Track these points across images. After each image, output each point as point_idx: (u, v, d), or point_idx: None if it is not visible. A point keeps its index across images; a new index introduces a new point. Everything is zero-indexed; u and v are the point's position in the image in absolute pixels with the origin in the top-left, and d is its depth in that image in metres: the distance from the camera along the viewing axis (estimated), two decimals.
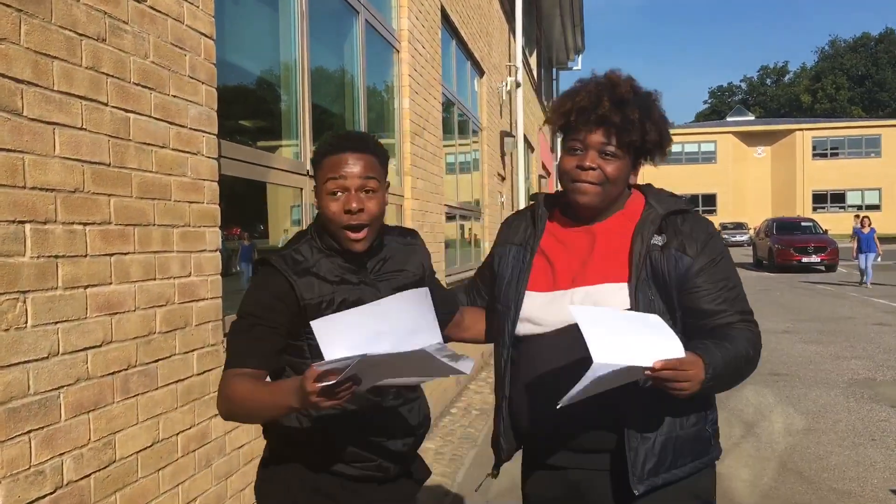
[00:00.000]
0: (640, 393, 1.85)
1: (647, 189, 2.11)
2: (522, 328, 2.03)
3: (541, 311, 2.01)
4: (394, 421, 2.05)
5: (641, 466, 1.89)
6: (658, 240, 1.97)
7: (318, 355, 1.74)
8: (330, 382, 1.61)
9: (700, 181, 51.98)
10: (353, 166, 1.94)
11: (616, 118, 1.92)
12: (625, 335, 1.74)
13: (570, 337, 1.82)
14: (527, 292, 2.04)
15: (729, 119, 62.44)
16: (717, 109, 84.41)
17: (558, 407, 1.74)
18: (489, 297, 2.26)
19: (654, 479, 1.90)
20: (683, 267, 1.94)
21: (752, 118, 63.65)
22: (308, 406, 1.69)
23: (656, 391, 1.79)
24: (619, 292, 1.94)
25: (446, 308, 2.25)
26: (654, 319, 1.83)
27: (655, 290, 1.94)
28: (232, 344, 1.97)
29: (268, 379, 1.95)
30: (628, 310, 1.91)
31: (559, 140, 2.11)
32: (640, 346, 1.73)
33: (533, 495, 2.16)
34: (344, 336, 1.68)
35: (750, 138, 54.52)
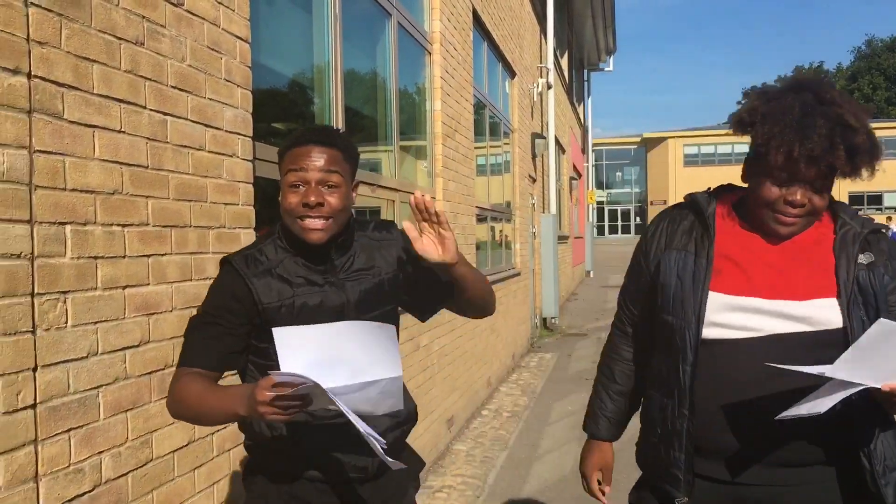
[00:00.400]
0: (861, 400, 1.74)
1: (833, 203, 1.97)
2: (709, 332, 1.88)
3: (733, 314, 1.87)
4: (369, 421, 1.84)
5: (882, 463, 1.81)
6: (863, 258, 1.89)
7: None
8: (282, 393, 1.57)
9: (735, 183, 51.21)
10: (316, 159, 1.88)
11: (847, 169, 1.78)
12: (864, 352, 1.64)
13: (769, 343, 1.79)
14: (711, 293, 1.89)
15: None
16: None
17: (777, 418, 1.68)
18: (644, 311, 2.10)
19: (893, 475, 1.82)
20: (887, 285, 1.88)
21: None
22: (255, 415, 1.64)
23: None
24: (832, 309, 1.84)
25: (439, 293, 2.12)
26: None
27: (864, 309, 1.84)
28: (187, 341, 1.92)
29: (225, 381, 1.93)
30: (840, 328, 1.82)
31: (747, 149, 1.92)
32: (874, 364, 1.64)
33: None
34: (305, 349, 1.64)
35: None
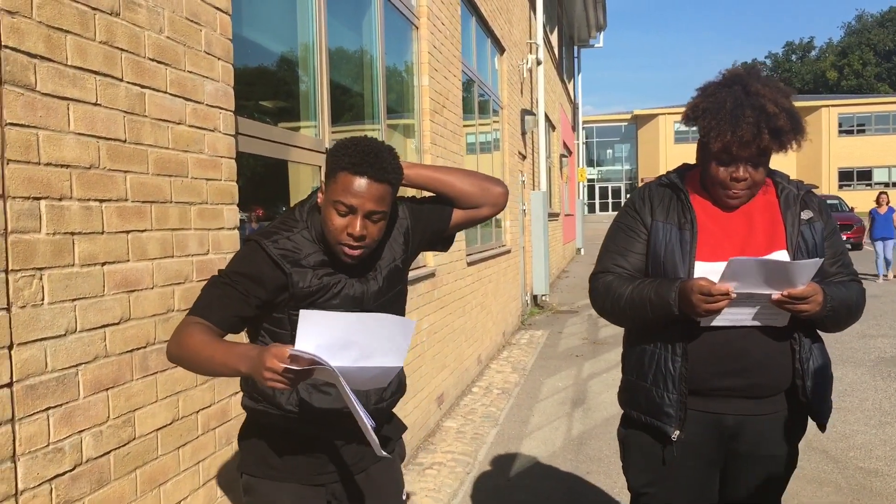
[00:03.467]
0: (806, 341, 2.29)
1: (770, 172, 2.39)
2: None
3: (714, 277, 2.15)
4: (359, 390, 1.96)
5: (818, 402, 2.31)
6: (804, 215, 2.34)
7: (296, 327, 1.78)
8: (292, 367, 1.66)
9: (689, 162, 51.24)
10: (367, 194, 1.93)
11: (774, 146, 2.17)
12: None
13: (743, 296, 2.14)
14: (697, 263, 2.27)
15: None
16: None
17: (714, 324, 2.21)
18: (634, 268, 2.39)
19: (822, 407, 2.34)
20: (820, 236, 2.33)
21: None
22: (256, 377, 1.72)
23: (817, 342, 2.32)
24: (784, 257, 2.25)
25: (443, 214, 2.27)
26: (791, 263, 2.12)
27: (807, 256, 2.26)
28: (204, 294, 2.00)
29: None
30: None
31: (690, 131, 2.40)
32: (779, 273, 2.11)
33: (683, 446, 2.32)
34: (322, 333, 1.72)
35: None
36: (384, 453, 1.87)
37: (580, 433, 5.83)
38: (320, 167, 3.99)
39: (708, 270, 2.22)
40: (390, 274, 2.16)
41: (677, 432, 2.29)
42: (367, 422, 1.75)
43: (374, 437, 1.80)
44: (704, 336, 2.25)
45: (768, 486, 2.40)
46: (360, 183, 1.92)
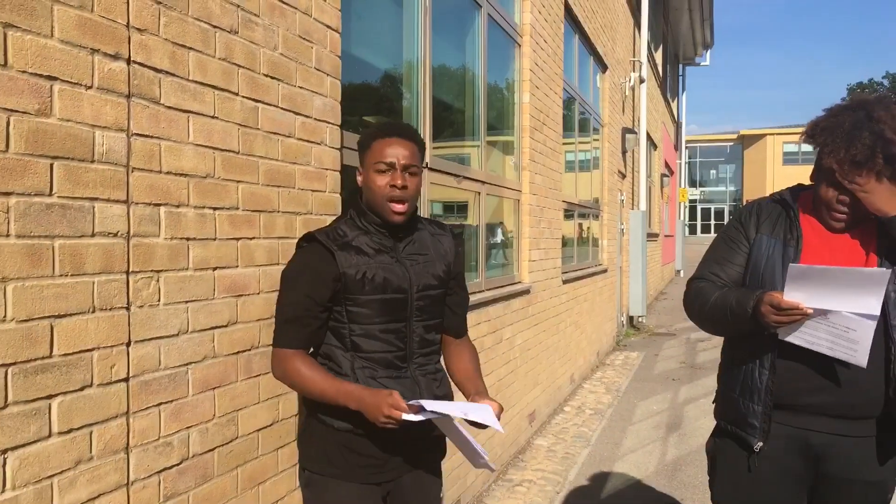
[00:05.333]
0: None
1: None
2: None
3: None
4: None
5: None
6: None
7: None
8: (410, 418, 2.01)
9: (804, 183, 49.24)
10: (402, 149, 2.24)
11: (887, 173, 2.17)
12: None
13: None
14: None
15: None
16: None
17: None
18: (731, 277, 2.44)
19: None
20: None
21: None
22: (368, 416, 2.07)
23: None
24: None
25: (459, 311, 2.51)
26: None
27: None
28: (285, 324, 2.22)
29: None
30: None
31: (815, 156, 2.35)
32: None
33: (767, 460, 2.35)
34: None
35: None
36: (493, 468, 2.27)
37: (675, 458, 5.69)
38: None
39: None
40: (433, 271, 2.35)
41: (760, 443, 2.33)
42: (483, 455, 2.17)
43: (488, 462, 2.20)
44: (795, 351, 2.22)
45: None
46: (392, 142, 2.23)
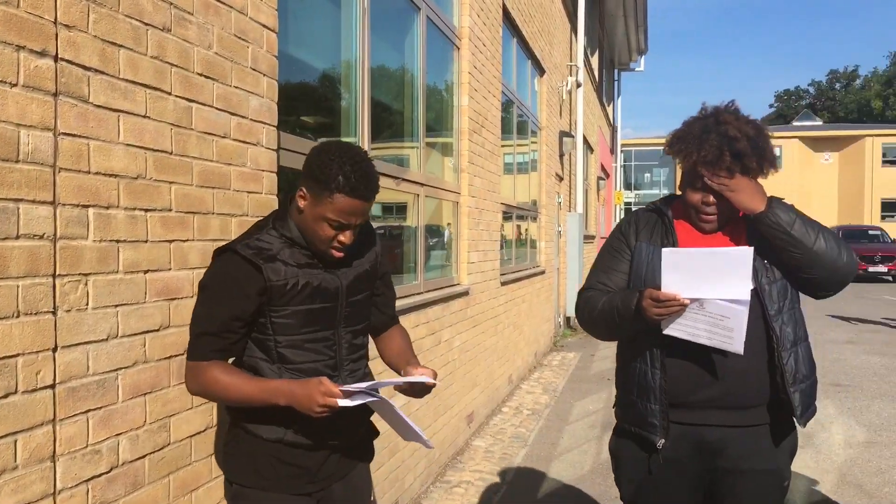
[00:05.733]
0: (789, 352, 2.34)
1: None
2: None
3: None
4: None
5: (802, 406, 2.36)
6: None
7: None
8: (347, 403, 1.96)
9: (765, 186, 50.62)
10: (361, 213, 2.12)
11: (737, 168, 2.31)
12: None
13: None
14: None
15: (795, 124, 60.89)
16: (782, 114, 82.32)
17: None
18: (617, 286, 2.55)
19: (807, 415, 2.39)
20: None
21: (820, 123, 62.00)
22: (304, 410, 2.00)
23: (796, 351, 2.36)
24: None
25: (387, 310, 2.52)
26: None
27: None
28: (202, 336, 2.11)
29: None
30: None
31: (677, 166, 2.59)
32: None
33: (667, 457, 2.44)
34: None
35: (817, 144, 53.05)
36: (432, 445, 2.29)
37: (609, 457, 5.77)
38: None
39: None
40: (362, 275, 2.31)
41: (662, 440, 2.42)
42: (420, 434, 2.14)
43: (426, 440, 2.19)
44: (682, 348, 2.33)
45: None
46: (356, 204, 2.09)
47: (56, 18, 1.91)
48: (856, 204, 51.12)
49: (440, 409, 5.31)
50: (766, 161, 2.35)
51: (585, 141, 14.91)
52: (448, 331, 5.50)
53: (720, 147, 2.29)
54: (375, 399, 2.06)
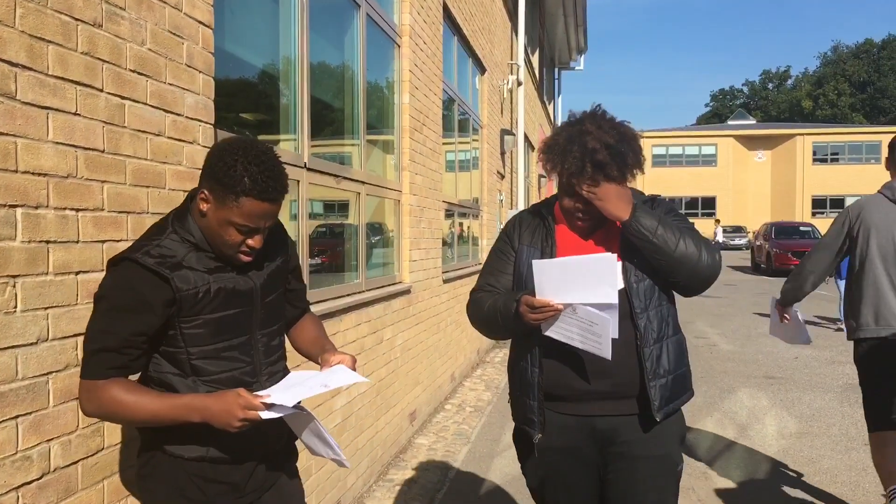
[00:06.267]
0: (654, 347, 2.43)
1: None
2: None
3: None
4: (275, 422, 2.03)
5: (660, 400, 2.43)
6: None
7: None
8: (271, 415, 1.87)
9: (700, 184, 52.00)
10: (271, 215, 1.99)
11: (599, 178, 2.37)
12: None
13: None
14: None
15: (730, 122, 62.47)
16: (718, 113, 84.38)
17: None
18: (504, 287, 2.62)
19: (666, 409, 2.45)
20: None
21: (754, 122, 63.70)
22: (221, 425, 1.88)
23: (660, 346, 2.44)
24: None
25: (299, 304, 2.44)
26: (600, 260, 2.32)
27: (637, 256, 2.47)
28: (99, 353, 1.91)
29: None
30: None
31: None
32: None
33: (551, 449, 2.54)
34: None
35: (750, 142, 54.52)
36: (349, 465, 2.21)
37: None
38: (298, 181, 4.01)
39: None
40: (274, 273, 2.19)
41: (539, 435, 2.53)
42: (337, 450, 2.10)
43: (343, 458, 2.13)
44: (560, 346, 2.41)
45: (650, 488, 2.52)
46: (266, 207, 1.95)
47: None
48: (788, 201, 52.67)
49: (382, 407, 5.30)
50: (627, 167, 2.41)
51: (527, 139, 15.04)
52: (390, 329, 5.50)
53: (582, 159, 2.36)
54: (296, 411, 1.97)
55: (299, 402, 1.97)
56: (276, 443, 2.21)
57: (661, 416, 2.44)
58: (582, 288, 2.28)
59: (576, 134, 2.41)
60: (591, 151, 2.36)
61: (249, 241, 2.00)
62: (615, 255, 2.35)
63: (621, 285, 2.41)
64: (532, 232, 2.61)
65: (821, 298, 15.49)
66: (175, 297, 1.93)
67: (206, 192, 1.96)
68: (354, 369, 2.15)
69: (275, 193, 1.96)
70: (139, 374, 2.05)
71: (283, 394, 1.95)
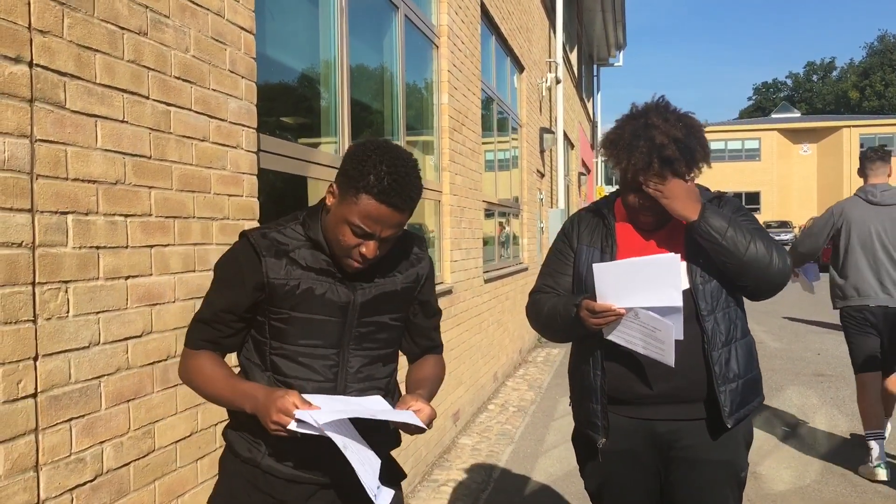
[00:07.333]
0: (722, 351, 2.37)
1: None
2: None
3: None
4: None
5: (731, 405, 2.37)
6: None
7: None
8: (300, 431, 1.72)
9: (744, 179, 51.19)
10: (389, 222, 1.82)
11: (667, 173, 2.30)
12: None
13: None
14: None
15: (774, 116, 61.38)
16: (761, 106, 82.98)
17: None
18: (563, 288, 2.57)
19: (737, 415, 2.39)
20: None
21: (798, 115, 62.52)
22: (261, 418, 1.78)
23: (729, 350, 2.38)
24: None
25: (421, 342, 2.20)
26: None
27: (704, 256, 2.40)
28: (197, 323, 1.96)
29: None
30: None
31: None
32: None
33: (612, 452, 2.48)
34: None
35: (795, 135, 53.54)
36: (377, 497, 1.82)
37: None
38: None
39: None
40: (389, 295, 2.01)
41: (603, 440, 2.47)
42: (372, 465, 1.83)
43: (370, 482, 1.79)
44: (622, 348, 2.36)
45: (711, 494, 2.46)
46: (384, 212, 1.80)
47: (30, 24, 1.89)
48: (835, 194, 51.46)
49: None
50: (695, 162, 2.34)
51: (566, 137, 14.96)
52: None
53: (649, 154, 2.28)
54: (338, 432, 1.76)
55: (335, 425, 1.76)
56: (340, 473, 1.92)
57: (732, 423, 2.37)
58: (644, 290, 2.22)
59: (641, 128, 2.32)
60: (659, 147, 2.27)
61: (362, 248, 1.84)
62: (678, 255, 2.26)
63: (686, 286, 2.35)
64: (591, 231, 2.54)
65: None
66: (264, 281, 1.88)
67: (334, 185, 1.88)
68: (430, 424, 1.91)
69: (397, 199, 1.79)
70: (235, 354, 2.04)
71: (327, 408, 1.77)
